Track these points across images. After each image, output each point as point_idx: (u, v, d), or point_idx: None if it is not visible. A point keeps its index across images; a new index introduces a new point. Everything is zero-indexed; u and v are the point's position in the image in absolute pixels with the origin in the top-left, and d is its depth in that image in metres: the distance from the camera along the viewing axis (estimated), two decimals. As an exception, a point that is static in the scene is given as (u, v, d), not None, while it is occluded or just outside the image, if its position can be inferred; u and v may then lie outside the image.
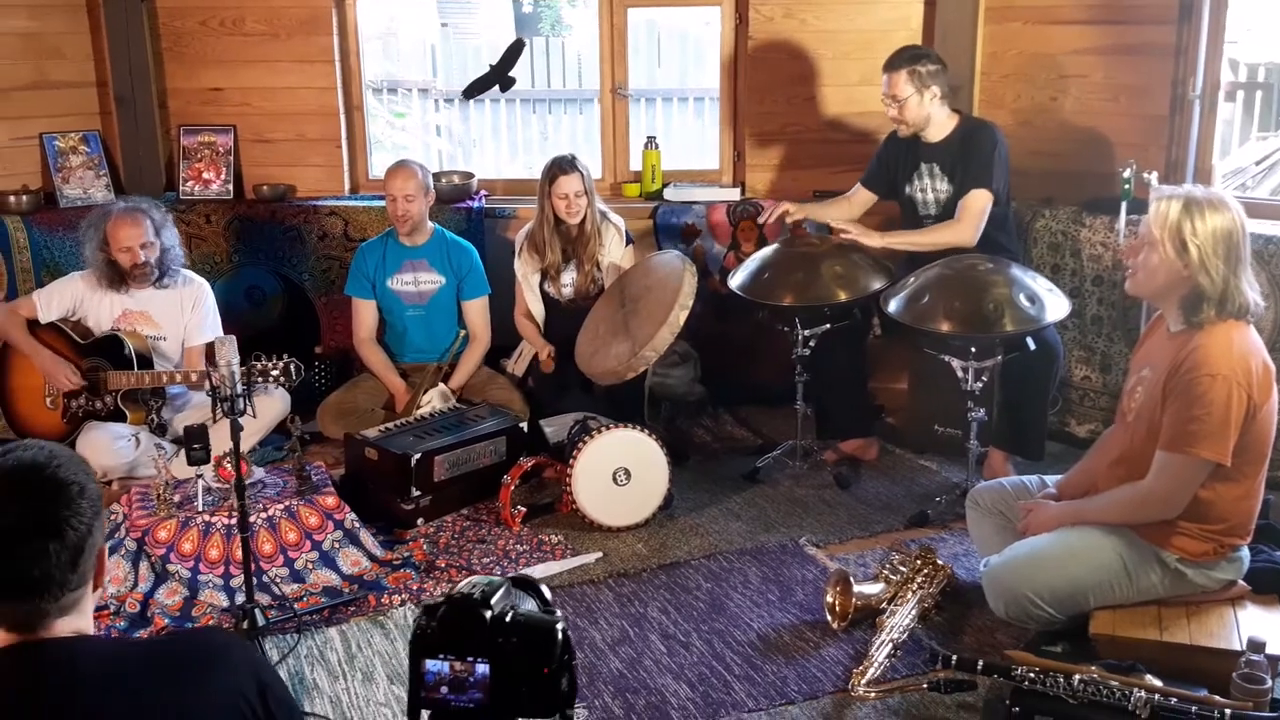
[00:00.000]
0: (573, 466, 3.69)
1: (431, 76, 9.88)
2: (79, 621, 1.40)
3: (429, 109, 9.53)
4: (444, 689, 1.15)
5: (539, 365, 4.44)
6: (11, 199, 4.68)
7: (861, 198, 4.30)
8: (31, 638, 1.36)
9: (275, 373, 3.14)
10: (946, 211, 4.01)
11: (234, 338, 2.88)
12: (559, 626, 1.18)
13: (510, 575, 1.19)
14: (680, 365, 4.56)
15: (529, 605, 1.22)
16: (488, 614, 1.16)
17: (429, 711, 1.17)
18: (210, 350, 3.78)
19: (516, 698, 1.15)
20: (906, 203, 4.18)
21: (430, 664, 1.16)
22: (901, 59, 3.93)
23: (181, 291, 4.21)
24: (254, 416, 3.00)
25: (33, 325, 4.13)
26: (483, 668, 1.15)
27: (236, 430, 2.88)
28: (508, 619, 1.17)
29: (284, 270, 4.98)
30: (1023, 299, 3.47)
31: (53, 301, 4.14)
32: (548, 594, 1.25)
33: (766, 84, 4.88)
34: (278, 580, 3.28)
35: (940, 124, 3.99)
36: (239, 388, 2.83)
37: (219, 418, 2.87)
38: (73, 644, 1.37)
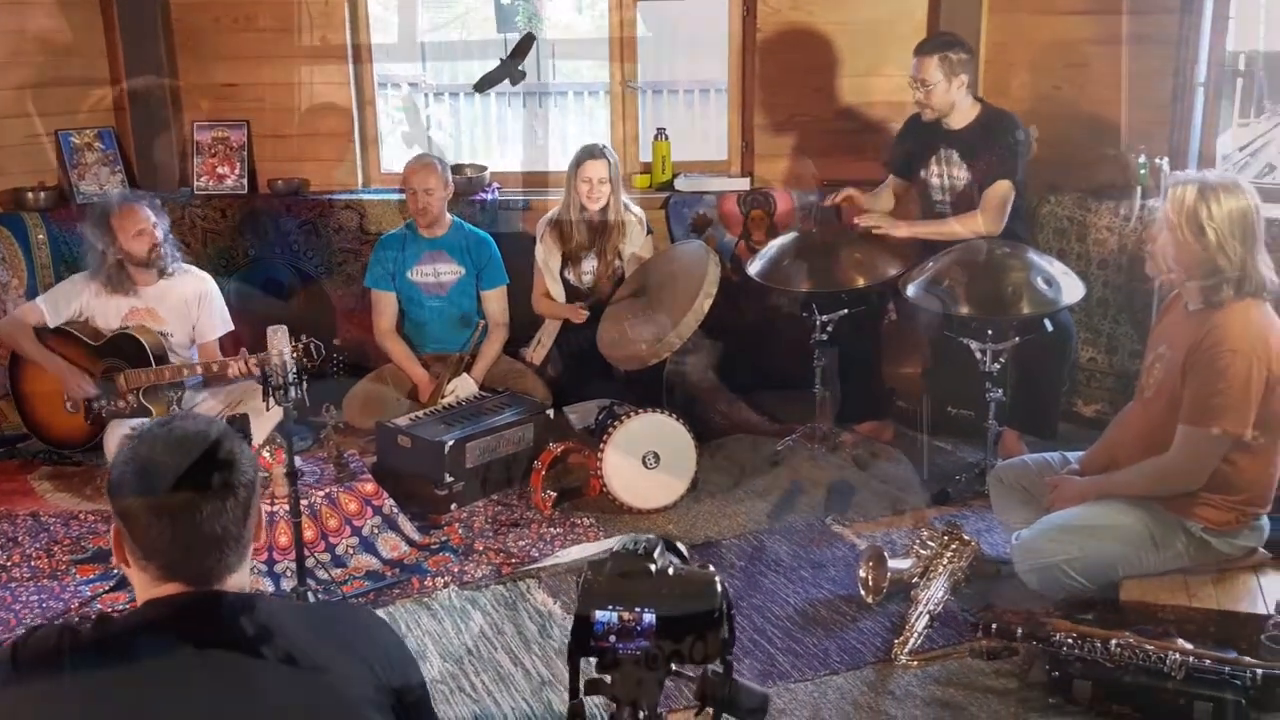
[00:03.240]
0: (604, 450, 3.77)
1: (421, 70, 9.91)
2: (242, 579, 1.52)
3: (420, 103, 9.55)
4: (612, 637, 1.24)
5: (558, 351, 4.52)
6: (29, 195, 4.71)
7: (893, 185, 4.38)
8: (203, 590, 1.47)
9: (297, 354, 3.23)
10: (960, 198, 4.10)
11: (285, 327, 2.95)
12: (717, 579, 1.27)
13: (660, 535, 1.28)
14: (694, 352, 4.64)
15: (675, 561, 1.31)
16: (652, 567, 1.25)
17: (595, 659, 1.26)
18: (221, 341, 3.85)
19: (680, 644, 1.25)
20: (919, 186, 4.26)
21: (600, 614, 1.25)
22: (934, 45, 4.01)
23: (184, 287, 4.19)
24: (309, 405, 3.07)
25: (41, 331, 4.10)
26: (649, 617, 1.24)
27: (289, 417, 2.94)
28: (670, 572, 1.26)
29: (299, 264, 5.03)
30: (1040, 282, 3.58)
31: (59, 305, 4.11)
32: (685, 551, 1.34)
33: (775, 75, 4.96)
34: (322, 565, 3.34)
35: (964, 111, 4.07)
36: (291, 376, 2.90)
37: (271, 406, 2.94)
38: (241, 598, 1.50)
